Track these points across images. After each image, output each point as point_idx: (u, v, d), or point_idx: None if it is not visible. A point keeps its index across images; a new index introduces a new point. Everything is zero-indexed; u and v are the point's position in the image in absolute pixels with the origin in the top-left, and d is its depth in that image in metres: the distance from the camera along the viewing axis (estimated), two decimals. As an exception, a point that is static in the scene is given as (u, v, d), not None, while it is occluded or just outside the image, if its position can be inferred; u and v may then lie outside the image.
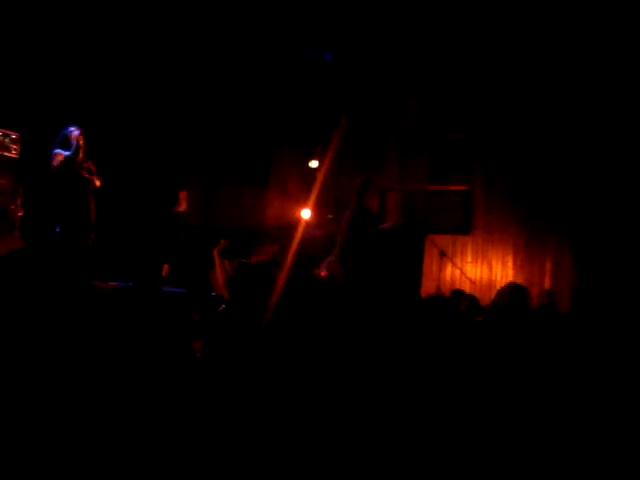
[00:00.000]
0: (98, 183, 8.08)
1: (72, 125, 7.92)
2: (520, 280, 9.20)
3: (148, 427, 3.29)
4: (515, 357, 4.35)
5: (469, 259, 9.89)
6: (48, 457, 3.13)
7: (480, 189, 10.02)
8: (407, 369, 4.06)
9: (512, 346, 4.51)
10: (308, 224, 9.10)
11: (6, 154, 8.11)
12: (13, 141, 8.20)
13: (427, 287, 9.56)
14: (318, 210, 9.81)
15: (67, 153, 7.75)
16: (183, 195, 10.47)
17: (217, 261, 7.91)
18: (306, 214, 9.44)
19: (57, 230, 7.64)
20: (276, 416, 3.50)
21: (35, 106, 8.71)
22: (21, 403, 3.35)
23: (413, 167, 10.46)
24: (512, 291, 5.48)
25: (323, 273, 7.42)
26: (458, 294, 6.69)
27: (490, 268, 9.76)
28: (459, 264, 9.79)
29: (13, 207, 8.17)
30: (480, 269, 9.79)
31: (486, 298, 7.26)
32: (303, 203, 9.70)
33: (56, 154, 7.79)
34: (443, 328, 4.73)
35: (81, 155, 7.80)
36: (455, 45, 9.78)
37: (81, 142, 7.83)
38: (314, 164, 10.83)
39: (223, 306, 5.06)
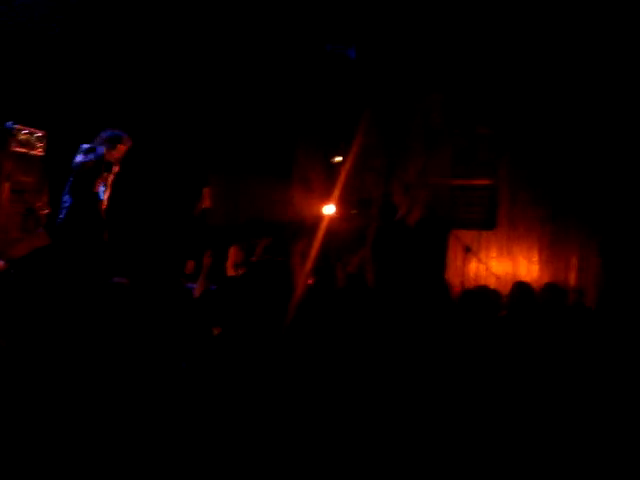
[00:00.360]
0: (103, 205, 7.51)
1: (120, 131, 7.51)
2: (545, 276, 9.15)
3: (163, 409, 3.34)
4: (546, 353, 4.33)
5: (494, 254, 9.82)
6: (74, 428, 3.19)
7: (505, 184, 9.95)
8: (441, 365, 4.05)
9: (543, 342, 4.49)
10: (332, 219, 9.10)
11: (32, 152, 8.18)
12: (39, 139, 8.26)
13: (451, 282, 9.53)
14: (342, 205, 9.81)
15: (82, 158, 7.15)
16: (206, 191, 10.52)
17: (231, 257, 7.97)
18: (329, 210, 9.44)
19: (61, 217, 7.40)
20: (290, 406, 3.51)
21: (60, 104, 8.77)
22: (47, 389, 3.40)
23: (437, 162, 10.40)
24: (548, 290, 5.45)
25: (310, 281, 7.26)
26: (484, 291, 6.63)
27: (515, 264, 9.68)
28: (484, 259, 9.73)
29: (39, 205, 8.24)
30: (505, 265, 9.72)
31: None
32: (327, 198, 9.70)
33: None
34: (475, 324, 4.72)
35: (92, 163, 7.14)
36: (480, 39, 9.71)
37: (117, 155, 7.47)
38: (338, 159, 10.84)
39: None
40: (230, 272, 8.63)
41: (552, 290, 5.53)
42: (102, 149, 7.16)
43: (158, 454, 3.15)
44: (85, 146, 7.16)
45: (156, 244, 9.61)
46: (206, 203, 10.57)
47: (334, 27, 10.28)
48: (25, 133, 8.13)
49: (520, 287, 5.76)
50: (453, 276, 9.73)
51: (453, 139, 10.38)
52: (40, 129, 8.31)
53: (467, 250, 9.45)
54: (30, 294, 4.81)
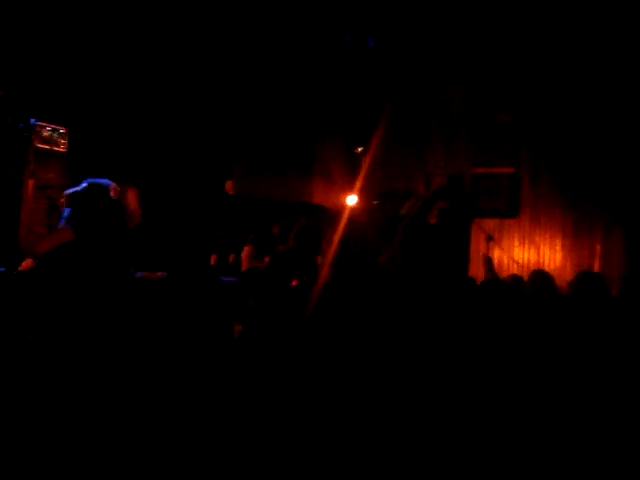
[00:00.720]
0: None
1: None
2: (569, 264, 9.10)
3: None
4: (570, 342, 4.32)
5: (516, 243, 9.77)
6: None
7: (527, 171, 9.89)
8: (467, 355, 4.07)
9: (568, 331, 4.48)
10: (354, 211, 9.11)
11: (55, 148, 8.27)
12: (61, 135, 8.34)
13: (474, 271, 9.50)
14: (363, 197, 9.81)
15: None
16: (229, 184, 10.53)
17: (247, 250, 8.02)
18: (352, 200, 9.44)
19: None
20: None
21: (83, 100, 8.85)
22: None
23: (458, 151, 10.37)
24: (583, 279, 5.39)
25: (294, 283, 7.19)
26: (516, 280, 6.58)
27: (538, 252, 9.63)
28: (506, 248, 9.69)
29: (63, 201, 8.32)
30: (527, 253, 9.66)
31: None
32: (348, 190, 9.71)
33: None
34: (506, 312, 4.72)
35: None
36: (498, 27, 9.66)
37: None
38: (359, 150, 10.85)
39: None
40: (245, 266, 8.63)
41: (587, 278, 5.44)
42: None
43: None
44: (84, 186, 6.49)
45: (184, 238, 9.67)
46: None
47: (353, 18, 10.27)
48: (48, 130, 8.21)
49: (540, 275, 5.72)
50: (476, 265, 9.70)
51: (474, 128, 10.33)
52: (63, 126, 8.40)
53: (489, 239, 9.41)
54: (56, 290, 4.86)
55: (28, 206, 8.02)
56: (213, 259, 9.89)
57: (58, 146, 8.31)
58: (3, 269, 6.39)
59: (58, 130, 8.31)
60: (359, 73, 10.81)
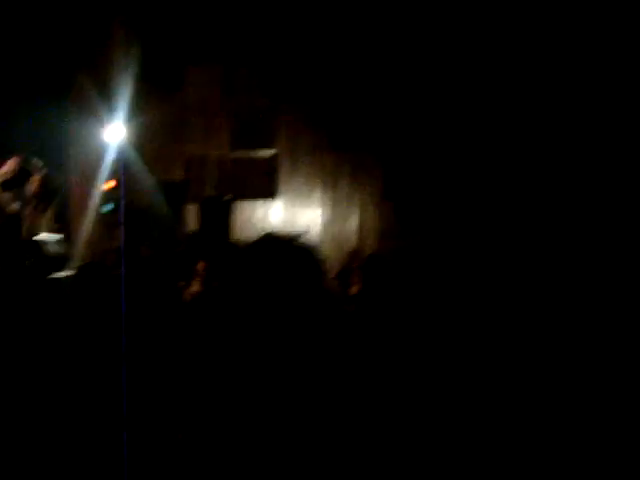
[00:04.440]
0: None
1: None
2: (329, 239, 9.77)
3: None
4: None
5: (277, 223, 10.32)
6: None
7: (285, 152, 10.36)
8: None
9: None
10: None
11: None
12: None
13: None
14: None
15: None
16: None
17: None
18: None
19: None
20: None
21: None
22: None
23: (217, 133, 10.51)
24: None
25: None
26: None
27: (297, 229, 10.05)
28: (268, 229, 9.81)
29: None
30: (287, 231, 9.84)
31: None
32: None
33: None
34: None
35: None
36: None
37: None
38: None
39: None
40: None
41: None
42: None
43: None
44: None
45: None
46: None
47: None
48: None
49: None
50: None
51: (232, 110, 10.52)
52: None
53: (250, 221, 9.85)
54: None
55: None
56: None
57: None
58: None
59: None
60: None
